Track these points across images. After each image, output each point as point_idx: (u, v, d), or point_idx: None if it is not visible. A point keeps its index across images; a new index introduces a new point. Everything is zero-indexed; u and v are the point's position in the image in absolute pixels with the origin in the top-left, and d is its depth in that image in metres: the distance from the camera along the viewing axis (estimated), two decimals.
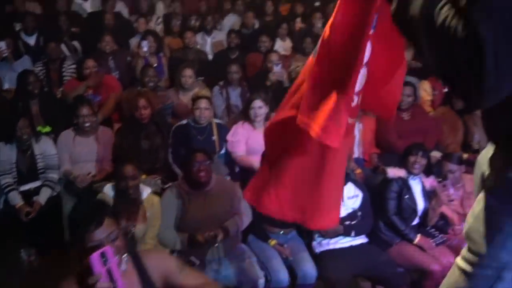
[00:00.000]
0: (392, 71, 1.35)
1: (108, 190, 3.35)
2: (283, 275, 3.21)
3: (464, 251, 1.18)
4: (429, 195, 3.63)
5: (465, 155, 4.04)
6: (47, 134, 4.30)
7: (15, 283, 3.34)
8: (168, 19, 6.75)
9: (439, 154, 4.13)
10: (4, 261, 3.45)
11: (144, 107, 4.00)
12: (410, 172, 3.58)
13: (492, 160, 1.07)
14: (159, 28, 6.83)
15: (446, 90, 4.89)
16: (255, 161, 3.88)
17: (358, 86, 1.30)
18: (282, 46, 6.39)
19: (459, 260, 1.22)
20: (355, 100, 1.30)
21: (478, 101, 0.83)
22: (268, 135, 1.63)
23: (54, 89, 5.15)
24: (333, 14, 1.21)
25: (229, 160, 4.16)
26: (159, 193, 3.63)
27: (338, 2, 1.18)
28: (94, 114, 4.13)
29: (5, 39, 5.26)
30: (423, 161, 3.60)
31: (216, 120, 4.27)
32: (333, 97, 1.26)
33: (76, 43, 5.94)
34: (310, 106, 1.31)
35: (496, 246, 1.05)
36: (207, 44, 6.38)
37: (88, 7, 7.22)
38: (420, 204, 3.59)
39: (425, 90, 5.06)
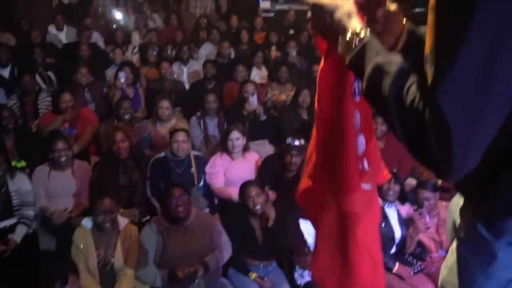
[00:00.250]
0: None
1: (86, 223, 3.38)
2: None
3: None
4: (405, 222, 3.69)
5: (440, 182, 4.13)
6: (22, 169, 4.23)
7: None
8: (144, 49, 6.78)
9: (414, 181, 4.22)
10: None
11: (122, 141, 3.99)
12: (385, 200, 3.64)
13: (462, 211, 1.11)
14: (135, 58, 6.85)
15: None
16: (234, 192, 3.91)
17: (360, 151, 1.29)
18: (258, 74, 6.48)
19: None
20: (363, 165, 1.29)
21: (447, 175, 0.87)
22: (303, 204, 1.59)
23: (29, 122, 5.09)
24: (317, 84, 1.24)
25: (208, 192, 4.17)
26: (136, 223, 3.64)
27: (319, 73, 1.21)
28: (70, 148, 4.10)
29: None
30: (396, 188, 3.67)
31: (194, 152, 4.28)
32: (335, 164, 1.27)
33: (51, 74, 5.90)
34: (318, 173, 1.32)
35: None
36: (184, 73, 6.42)
37: (64, 38, 7.22)
38: (398, 232, 3.64)
39: None
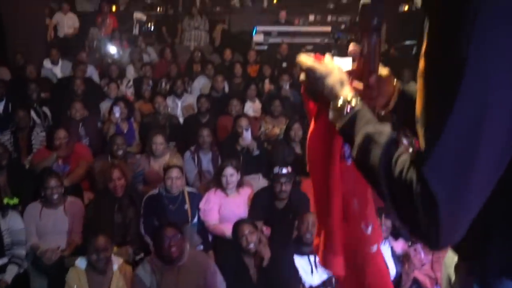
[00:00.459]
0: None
1: (80, 263, 3.37)
2: None
3: None
4: (400, 259, 3.67)
5: None
6: (14, 206, 4.21)
7: None
8: (139, 83, 6.84)
9: None
10: None
11: (119, 179, 4.00)
12: None
13: (457, 268, 1.12)
14: (129, 92, 6.91)
15: None
16: (228, 229, 3.90)
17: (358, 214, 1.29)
18: (252, 107, 6.54)
19: None
20: (368, 229, 1.28)
21: (434, 247, 0.89)
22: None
23: (23, 157, 5.09)
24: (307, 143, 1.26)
25: (202, 228, 4.15)
26: (131, 262, 3.61)
27: (309, 135, 1.23)
28: (62, 185, 4.09)
29: None
30: (388, 223, 3.66)
31: (188, 189, 4.27)
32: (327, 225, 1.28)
33: (46, 109, 5.93)
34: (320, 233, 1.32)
35: None
36: (178, 107, 6.47)
37: (59, 72, 7.27)
38: (392, 269, 3.62)
39: None
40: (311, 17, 10.72)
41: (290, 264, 3.51)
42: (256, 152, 4.96)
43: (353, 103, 1.03)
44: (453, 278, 1.15)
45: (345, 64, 1.16)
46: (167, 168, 4.11)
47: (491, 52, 0.81)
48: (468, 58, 0.81)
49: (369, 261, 1.34)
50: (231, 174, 4.17)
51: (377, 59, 1.15)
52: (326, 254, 1.30)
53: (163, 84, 6.87)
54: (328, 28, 9.91)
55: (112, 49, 8.32)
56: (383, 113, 1.24)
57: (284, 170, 4.09)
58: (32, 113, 5.69)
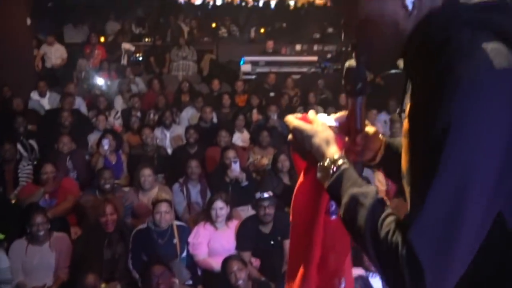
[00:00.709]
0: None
1: None
2: None
3: None
4: None
5: None
6: (0, 242, 4.14)
7: None
8: (127, 115, 6.84)
9: None
10: None
11: (111, 214, 3.97)
12: (368, 270, 3.62)
13: None
14: (117, 123, 6.90)
15: None
16: (217, 263, 3.87)
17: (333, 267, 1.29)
18: (240, 137, 6.57)
19: None
20: (341, 285, 1.29)
21: None
22: None
23: (8, 191, 5.02)
24: (293, 196, 1.27)
25: (192, 263, 4.11)
26: None
27: (297, 187, 1.24)
28: (48, 221, 4.04)
29: None
30: None
31: (176, 222, 4.25)
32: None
33: (33, 142, 5.88)
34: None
35: None
36: (167, 138, 6.47)
37: (46, 104, 7.25)
38: None
39: (380, 181, 5.24)
40: (298, 47, 10.91)
41: None
42: (245, 183, 4.96)
43: (339, 163, 1.04)
44: None
45: (330, 120, 1.18)
46: (156, 202, 4.09)
47: (473, 121, 0.84)
48: (451, 127, 0.84)
49: None
50: (220, 207, 4.17)
51: (363, 119, 1.17)
52: None
53: (152, 115, 6.88)
54: (314, 58, 10.08)
55: (100, 80, 8.34)
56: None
57: (266, 194, 4.18)
58: (19, 146, 5.65)
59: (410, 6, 0.96)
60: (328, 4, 12.02)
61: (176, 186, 5.03)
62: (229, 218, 4.29)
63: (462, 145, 0.84)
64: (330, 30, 11.31)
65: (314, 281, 1.23)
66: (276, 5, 13.40)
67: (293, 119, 1.17)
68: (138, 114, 6.87)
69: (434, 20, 0.96)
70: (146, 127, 6.09)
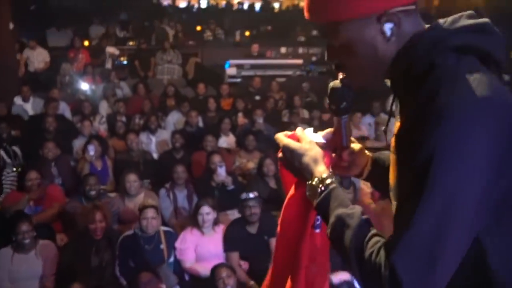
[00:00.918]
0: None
1: None
2: None
3: None
4: None
5: None
6: None
7: None
8: (112, 120, 6.81)
9: None
10: None
11: (100, 221, 3.96)
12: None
13: None
14: (102, 128, 6.86)
15: None
16: (204, 268, 3.89)
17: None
18: (226, 141, 6.58)
19: None
20: None
21: None
22: None
23: None
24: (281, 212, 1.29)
25: (179, 268, 4.11)
26: None
27: (287, 200, 1.26)
28: (34, 229, 4.01)
29: None
30: None
31: (163, 228, 4.24)
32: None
33: (16, 149, 5.82)
34: None
35: None
36: (152, 143, 6.45)
37: (30, 109, 7.18)
38: None
39: (365, 183, 5.29)
40: (283, 50, 10.98)
41: None
42: (231, 187, 4.98)
43: (327, 182, 1.07)
44: None
45: (317, 137, 1.21)
46: (142, 208, 4.08)
47: (455, 150, 0.88)
48: (435, 156, 0.88)
49: None
50: (207, 212, 4.18)
51: (349, 136, 1.20)
52: None
53: (137, 119, 6.86)
54: (299, 61, 10.14)
55: (85, 85, 8.28)
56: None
57: (251, 195, 4.24)
58: (2, 153, 5.59)
59: (388, 33, 0.99)
60: None
61: (162, 191, 5.03)
62: (215, 223, 4.30)
63: (445, 174, 0.87)
64: (315, 33, 11.38)
65: None
66: (261, 8, 13.47)
67: (282, 138, 1.19)
68: (123, 119, 6.84)
69: (418, 45, 0.99)
70: (131, 132, 6.06)
